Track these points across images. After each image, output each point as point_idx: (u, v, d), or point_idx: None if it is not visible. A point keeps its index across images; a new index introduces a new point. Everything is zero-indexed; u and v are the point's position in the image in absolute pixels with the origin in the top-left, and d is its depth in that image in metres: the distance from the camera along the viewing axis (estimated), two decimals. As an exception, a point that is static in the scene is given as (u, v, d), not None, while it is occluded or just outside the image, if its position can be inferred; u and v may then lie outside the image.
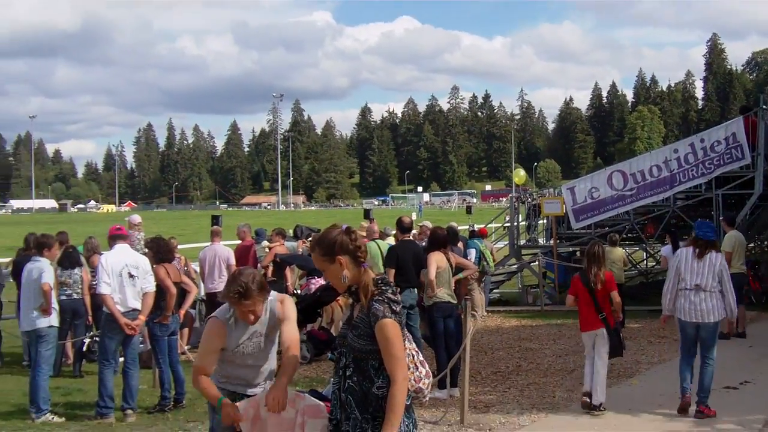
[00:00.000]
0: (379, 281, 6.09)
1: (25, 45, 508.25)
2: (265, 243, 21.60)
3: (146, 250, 15.27)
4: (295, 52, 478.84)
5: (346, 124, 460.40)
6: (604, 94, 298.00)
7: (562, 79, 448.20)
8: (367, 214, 41.26)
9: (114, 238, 14.12)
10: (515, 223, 31.83)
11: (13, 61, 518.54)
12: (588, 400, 13.31)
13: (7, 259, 24.37)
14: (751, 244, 28.85)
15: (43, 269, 14.00)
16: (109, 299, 13.37)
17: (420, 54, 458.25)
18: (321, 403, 6.61)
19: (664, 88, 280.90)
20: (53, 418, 13.50)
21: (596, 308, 13.32)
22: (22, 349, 19.63)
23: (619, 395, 14.35)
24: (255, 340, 7.32)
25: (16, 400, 15.12)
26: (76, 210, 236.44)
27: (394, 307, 5.95)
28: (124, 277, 13.46)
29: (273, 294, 7.44)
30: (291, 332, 7.33)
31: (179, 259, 18.32)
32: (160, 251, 14.56)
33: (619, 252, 23.05)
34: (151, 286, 13.67)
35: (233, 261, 20.19)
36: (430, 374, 6.46)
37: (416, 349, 6.33)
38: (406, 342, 6.11)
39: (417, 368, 6.29)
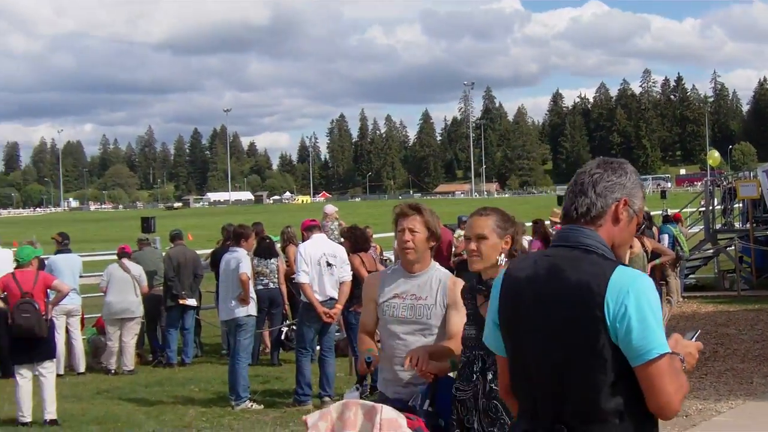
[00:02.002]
0: None
1: (219, 40, 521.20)
2: (459, 232, 21.57)
3: (342, 240, 15.48)
4: (484, 40, 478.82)
5: (537, 110, 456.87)
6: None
7: (756, 60, 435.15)
8: (560, 200, 40.91)
9: (310, 228, 14.36)
10: (710, 207, 31.14)
11: (207, 56, 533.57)
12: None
13: (206, 251, 24.98)
14: None
15: (241, 259, 14.31)
16: (308, 288, 13.60)
17: (609, 38, 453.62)
18: (401, 414, 5.62)
19: None
20: (252, 405, 13.80)
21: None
22: (221, 338, 20.16)
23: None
24: (409, 302, 6.57)
25: (216, 388, 15.53)
26: (271, 201, 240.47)
27: None
28: (323, 266, 13.66)
29: (446, 272, 6.71)
30: (458, 323, 6.33)
31: (375, 248, 18.50)
32: (356, 240, 14.74)
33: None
34: (348, 276, 13.85)
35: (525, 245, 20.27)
36: None
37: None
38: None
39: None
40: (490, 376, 5.66)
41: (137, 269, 18.45)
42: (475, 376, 5.78)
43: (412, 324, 6.53)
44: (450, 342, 6.34)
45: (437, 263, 6.73)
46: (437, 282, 6.56)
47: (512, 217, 5.96)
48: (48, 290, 13.60)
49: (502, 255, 5.78)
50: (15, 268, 13.95)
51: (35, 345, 13.14)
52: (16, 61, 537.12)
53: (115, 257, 19.22)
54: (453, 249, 21.26)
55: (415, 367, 5.98)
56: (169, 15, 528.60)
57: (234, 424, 12.70)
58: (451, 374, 6.26)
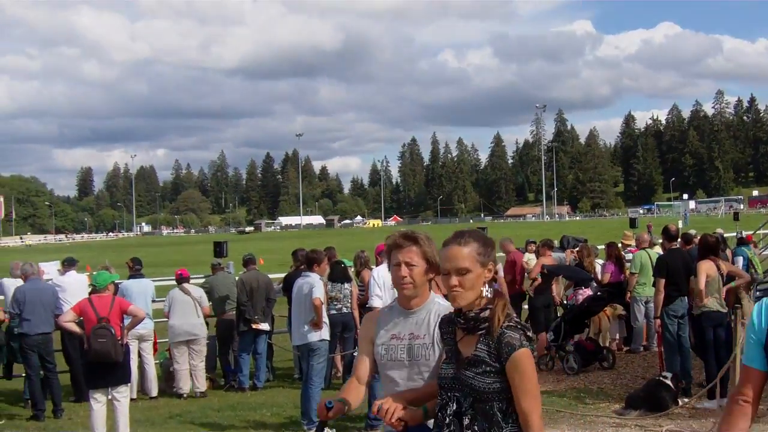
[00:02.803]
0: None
1: (290, 65, 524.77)
2: (529, 255, 21.39)
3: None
4: (556, 62, 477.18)
5: (609, 132, 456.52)
6: None
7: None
8: (632, 223, 40.64)
9: (383, 253, 14.27)
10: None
11: (278, 81, 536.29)
12: None
13: (278, 275, 24.99)
14: None
15: (314, 284, 14.25)
16: (382, 312, 13.48)
17: (682, 59, 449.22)
18: None
19: None
20: (325, 430, 13.71)
21: None
22: (293, 362, 20.12)
23: None
24: (407, 342, 5.89)
25: (288, 413, 15.48)
26: (342, 226, 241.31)
27: (529, 334, 4.93)
28: (396, 290, 13.53)
29: (447, 305, 5.65)
30: None
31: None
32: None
33: None
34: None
35: (501, 273, 20.07)
36: None
37: None
38: None
39: None
40: (466, 421, 4.98)
41: (198, 291, 18.55)
42: (448, 419, 5.07)
43: (411, 367, 5.86)
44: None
45: (438, 295, 6.04)
46: (436, 317, 5.80)
47: (491, 240, 5.25)
48: (123, 315, 13.64)
49: (486, 286, 5.06)
50: (90, 293, 14.00)
51: (110, 369, 13.17)
52: (90, 87, 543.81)
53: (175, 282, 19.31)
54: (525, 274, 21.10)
55: (382, 417, 5.55)
56: (241, 41, 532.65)
57: (306, 449, 12.64)
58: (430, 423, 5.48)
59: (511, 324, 4.91)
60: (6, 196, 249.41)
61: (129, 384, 14.05)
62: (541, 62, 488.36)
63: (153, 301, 18.87)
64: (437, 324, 5.57)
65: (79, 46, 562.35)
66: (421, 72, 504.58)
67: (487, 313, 4.98)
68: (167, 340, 20.37)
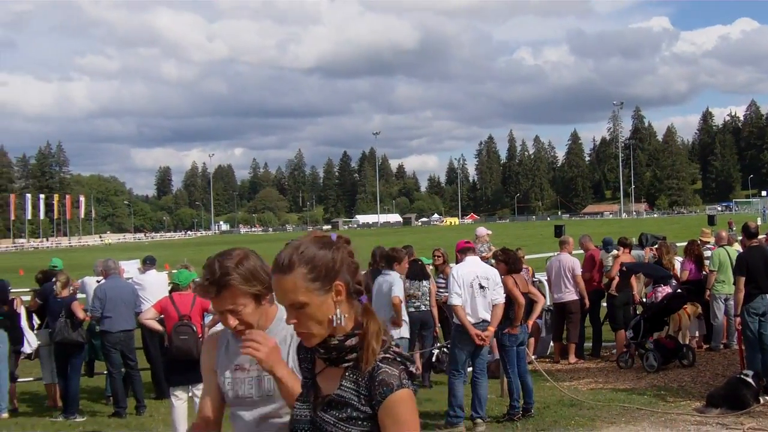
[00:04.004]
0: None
1: (368, 64, 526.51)
2: (615, 252, 21.30)
3: (494, 262, 15.42)
4: (633, 59, 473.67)
5: (687, 129, 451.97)
6: None
7: None
8: (710, 220, 40.29)
9: (464, 251, 14.34)
10: None
11: (356, 80, 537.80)
12: None
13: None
14: None
15: (394, 282, 14.32)
16: (461, 310, 13.56)
17: (759, 55, 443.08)
18: None
19: None
20: (404, 427, 13.76)
21: None
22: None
23: None
24: (255, 373, 4.80)
25: (368, 410, 15.50)
26: (420, 223, 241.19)
27: (411, 369, 3.68)
28: (475, 288, 13.61)
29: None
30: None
31: (527, 270, 18.38)
32: (509, 262, 14.65)
33: None
34: (500, 298, 13.74)
35: (579, 271, 20.01)
36: None
37: None
38: None
39: None
40: None
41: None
42: None
43: (261, 406, 4.79)
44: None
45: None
46: (289, 338, 4.76)
47: (335, 244, 3.90)
48: (204, 313, 13.80)
49: (339, 310, 3.71)
50: (171, 291, 14.16)
51: (191, 367, 13.29)
52: (169, 87, 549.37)
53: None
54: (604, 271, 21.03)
55: None
56: (319, 40, 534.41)
57: (386, 446, 12.65)
58: None
59: (388, 356, 3.64)
60: (86, 196, 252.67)
61: (210, 381, 14.15)
62: (618, 59, 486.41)
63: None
64: (295, 347, 4.28)
65: (157, 46, 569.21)
66: (497, 69, 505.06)
67: (354, 340, 3.69)
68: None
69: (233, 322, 4.65)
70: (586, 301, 19.90)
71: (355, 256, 3.97)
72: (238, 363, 4.83)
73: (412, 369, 3.69)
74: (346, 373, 3.69)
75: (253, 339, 4.26)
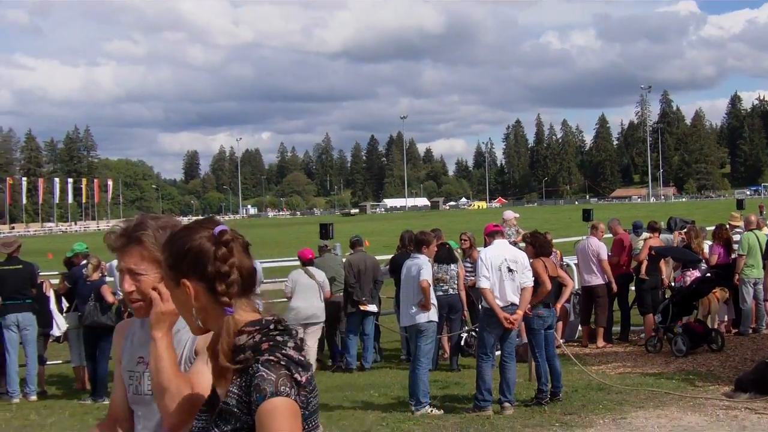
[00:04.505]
0: (272, 325, 3.25)
1: (394, 48, 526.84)
2: (646, 235, 21.22)
3: (523, 245, 15.39)
4: (660, 43, 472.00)
5: (715, 113, 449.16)
6: None
7: None
8: (739, 204, 40.03)
9: (492, 234, 14.34)
10: None
11: (382, 64, 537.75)
12: None
13: (384, 257, 25.09)
14: None
15: (422, 266, 14.29)
16: (489, 294, 13.55)
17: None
18: None
19: None
20: (432, 410, 13.78)
21: None
22: (400, 343, 20.25)
23: None
24: None
25: (395, 393, 15.56)
26: (447, 207, 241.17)
27: (297, 375, 3.14)
28: (504, 271, 13.59)
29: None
30: (202, 381, 3.75)
31: (555, 254, 18.35)
32: (538, 246, 14.62)
33: None
34: (529, 281, 13.71)
35: (604, 255, 19.95)
36: None
37: None
38: None
39: None
40: None
41: (321, 275, 18.61)
42: None
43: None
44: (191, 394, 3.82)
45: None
46: (185, 339, 4.19)
47: (188, 243, 3.34)
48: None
49: (196, 305, 3.33)
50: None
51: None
52: (195, 71, 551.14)
53: (298, 263, 19.38)
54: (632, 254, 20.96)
55: None
56: (344, 24, 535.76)
57: (414, 429, 12.67)
58: None
59: (272, 358, 3.14)
60: (114, 180, 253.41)
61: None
62: (645, 43, 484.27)
63: (261, 283, 18.99)
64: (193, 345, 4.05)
65: (183, 30, 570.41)
66: (524, 53, 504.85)
67: (245, 338, 3.21)
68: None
69: (129, 286, 4.14)
70: (614, 286, 19.85)
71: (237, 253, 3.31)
72: (141, 355, 4.24)
73: (304, 377, 3.15)
74: (235, 378, 3.22)
75: (162, 293, 3.86)
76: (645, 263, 19.90)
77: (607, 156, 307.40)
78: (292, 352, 3.18)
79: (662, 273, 20.32)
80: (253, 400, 3.08)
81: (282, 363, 3.12)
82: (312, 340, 18.59)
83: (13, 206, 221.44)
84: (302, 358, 3.21)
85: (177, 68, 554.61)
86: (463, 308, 18.41)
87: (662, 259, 20.33)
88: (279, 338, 3.21)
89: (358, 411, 14.14)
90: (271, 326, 3.25)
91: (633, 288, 20.88)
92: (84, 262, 17.42)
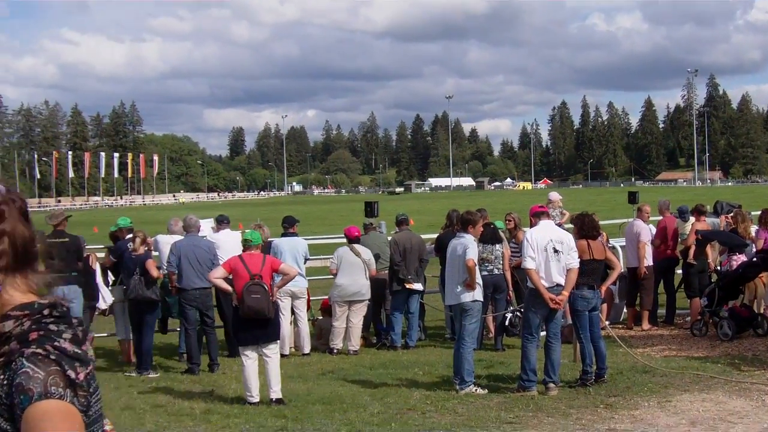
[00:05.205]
0: (45, 310, 2.70)
1: (439, 28, 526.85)
2: (692, 219, 21.09)
3: (568, 226, 15.34)
4: (706, 27, 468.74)
5: (762, 97, 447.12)
6: None
7: None
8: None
9: (538, 215, 14.31)
10: None
11: (427, 44, 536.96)
12: None
13: (429, 236, 25.07)
14: None
15: (468, 245, 14.26)
16: (535, 274, 13.54)
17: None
18: None
19: None
20: (477, 389, 13.79)
21: None
22: (444, 322, 20.27)
23: None
24: None
25: (439, 372, 15.58)
26: (492, 188, 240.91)
27: (71, 372, 2.63)
28: (549, 252, 13.57)
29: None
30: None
31: (602, 236, 18.30)
32: (585, 227, 14.57)
33: None
34: (575, 262, 13.67)
35: (644, 238, 19.87)
36: None
37: None
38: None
39: None
40: None
41: (367, 253, 18.64)
42: None
43: None
44: None
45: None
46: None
47: None
48: (273, 273, 13.90)
49: None
50: (244, 250, 14.23)
51: (262, 326, 13.43)
52: (240, 48, 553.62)
53: (344, 240, 19.42)
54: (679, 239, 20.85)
55: None
56: (390, 3, 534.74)
57: (458, 408, 12.69)
58: None
59: (39, 351, 2.62)
60: (159, 155, 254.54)
61: (278, 341, 14.25)
62: (691, 26, 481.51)
63: (307, 260, 19.03)
64: None
65: (229, 8, 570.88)
66: (570, 35, 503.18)
67: (9, 324, 2.68)
68: (320, 297, 20.72)
69: None
70: (642, 269, 19.74)
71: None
72: None
73: (81, 374, 2.65)
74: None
75: None
76: (693, 247, 19.79)
77: (653, 139, 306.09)
78: (66, 345, 2.65)
79: (708, 257, 20.21)
80: (16, 403, 2.54)
81: (52, 357, 2.59)
82: (357, 318, 18.66)
83: (59, 180, 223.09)
84: (80, 352, 2.68)
85: (222, 45, 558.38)
86: (509, 288, 18.40)
87: (709, 243, 20.21)
88: (53, 327, 2.67)
89: (402, 389, 14.18)
90: (45, 311, 2.69)
91: (679, 271, 20.79)
92: (129, 236, 17.52)
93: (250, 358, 13.47)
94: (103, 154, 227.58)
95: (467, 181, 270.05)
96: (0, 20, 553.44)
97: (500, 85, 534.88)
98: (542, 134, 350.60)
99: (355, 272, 18.53)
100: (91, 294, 17.61)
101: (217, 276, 13.96)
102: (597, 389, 13.68)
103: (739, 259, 18.83)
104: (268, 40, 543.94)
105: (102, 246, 21.17)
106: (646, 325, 19.60)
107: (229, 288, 13.79)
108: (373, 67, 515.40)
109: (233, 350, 17.23)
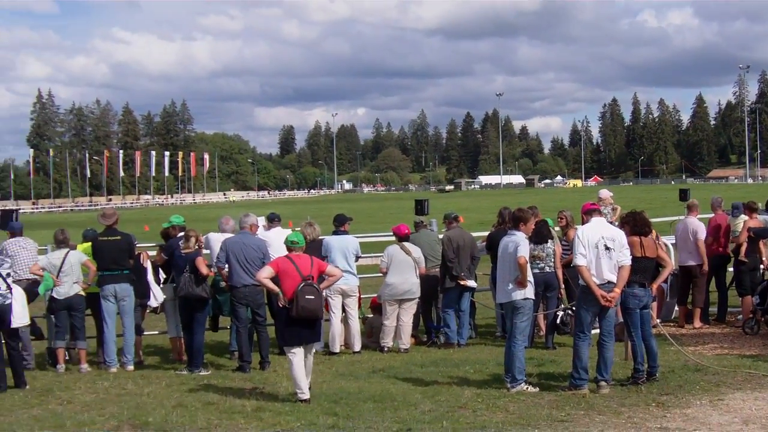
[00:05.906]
0: None
1: (489, 25, 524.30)
2: (744, 217, 20.93)
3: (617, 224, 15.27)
4: (759, 22, 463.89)
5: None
6: None
7: None
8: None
9: (590, 212, 14.28)
10: None
11: (478, 41, 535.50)
12: None
13: (479, 233, 25.02)
14: None
15: (519, 243, 14.22)
16: (586, 271, 13.49)
17: None
18: None
19: None
20: (528, 388, 13.75)
21: None
22: (495, 320, 20.24)
23: None
24: None
25: (490, 370, 15.55)
26: (543, 185, 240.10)
27: None
28: (600, 249, 13.51)
29: None
30: None
31: (653, 233, 18.20)
32: (636, 224, 14.49)
33: None
34: (626, 259, 13.60)
35: (701, 235, 19.78)
36: None
37: None
38: None
39: None
40: None
41: (417, 251, 18.65)
42: None
43: None
44: None
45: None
46: None
47: None
48: (320, 275, 13.96)
49: None
50: (289, 251, 14.17)
51: (311, 327, 13.50)
52: (291, 47, 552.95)
53: (394, 239, 19.42)
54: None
55: None
56: (440, 0, 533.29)
57: (509, 406, 12.66)
58: None
59: None
60: (210, 153, 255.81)
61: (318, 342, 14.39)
62: (742, 22, 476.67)
63: (358, 257, 19.04)
64: None
65: (279, 6, 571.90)
66: (620, 32, 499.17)
67: None
68: (371, 295, 20.75)
69: None
70: (704, 266, 19.67)
71: None
72: None
73: None
74: None
75: None
76: (744, 245, 19.65)
77: (704, 136, 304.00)
78: None
79: (761, 254, 20.05)
80: None
81: None
82: (407, 316, 18.68)
83: (110, 178, 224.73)
84: None
85: (273, 43, 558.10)
86: (560, 286, 18.35)
87: (761, 241, 20.06)
88: None
89: (453, 386, 14.17)
90: None
91: (731, 269, 20.66)
92: (180, 234, 17.61)
93: (297, 356, 13.48)
94: (153, 152, 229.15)
95: (517, 178, 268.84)
96: (51, 19, 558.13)
97: (551, 83, 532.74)
98: (593, 131, 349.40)
99: (406, 270, 18.54)
100: (142, 292, 17.77)
101: (265, 276, 13.90)
102: (649, 387, 13.61)
103: (792, 256, 18.69)
104: (319, 38, 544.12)
105: (153, 244, 21.29)
106: (697, 323, 19.51)
107: (276, 288, 13.71)
108: (424, 65, 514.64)
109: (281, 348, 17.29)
